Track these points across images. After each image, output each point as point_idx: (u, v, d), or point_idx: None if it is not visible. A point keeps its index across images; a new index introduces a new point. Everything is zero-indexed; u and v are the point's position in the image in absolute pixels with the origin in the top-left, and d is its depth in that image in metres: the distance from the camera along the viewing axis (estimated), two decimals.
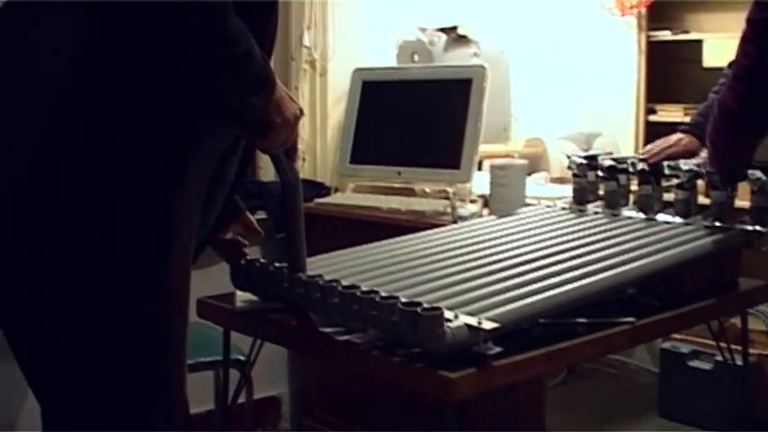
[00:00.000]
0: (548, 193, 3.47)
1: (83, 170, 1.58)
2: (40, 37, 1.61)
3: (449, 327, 1.70)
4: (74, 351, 1.62)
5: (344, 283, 1.91)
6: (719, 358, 2.92)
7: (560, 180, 4.09)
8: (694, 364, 4.17)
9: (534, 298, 1.90)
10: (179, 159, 1.66)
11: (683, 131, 3.04)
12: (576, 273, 2.06)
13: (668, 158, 2.83)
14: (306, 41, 4.25)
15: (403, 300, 1.76)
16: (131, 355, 1.64)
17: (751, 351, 3.36)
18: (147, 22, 1.57)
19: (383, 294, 1.81)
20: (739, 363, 2.58)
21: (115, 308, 1.61)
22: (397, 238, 2.48)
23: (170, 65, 1.61)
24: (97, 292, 1.60)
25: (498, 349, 1.75)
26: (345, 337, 1.89)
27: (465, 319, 1.74)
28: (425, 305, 1.74)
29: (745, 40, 2.37)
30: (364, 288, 1.87)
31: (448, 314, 1.73)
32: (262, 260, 2.12)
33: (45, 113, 1.58)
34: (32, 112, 1.59)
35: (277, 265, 2.08)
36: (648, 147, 3.08)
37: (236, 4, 1.60)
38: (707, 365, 4.11)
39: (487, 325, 1.72)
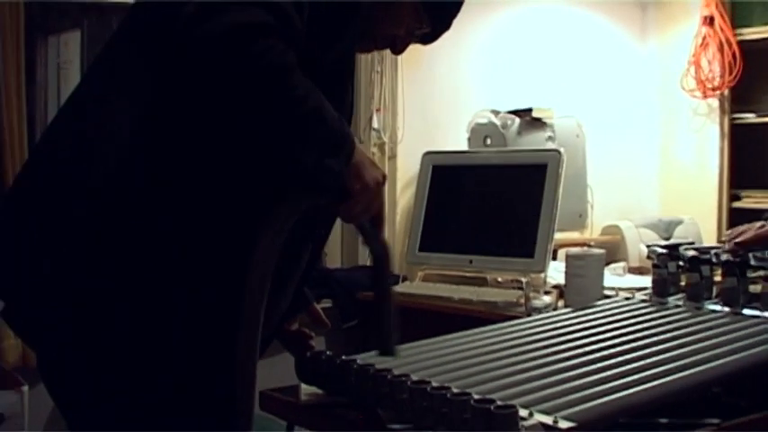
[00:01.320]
0: (626, 284, 3.44)
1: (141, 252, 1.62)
2: (114, 108, 1.68)
3: (523, 425, 1.68)
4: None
5: (414, 377, 1.91)
6: None
7: (639, 270, 4.06)
8: None
9: (613, 396, 1.88)
10: (247, 238, 1.67)
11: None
12: (658, 370, 2.04)
13: (757, 240, 2.77)
14: (375, 124, 4.30)
15: (475, 396, 1.76)
16: None
17: None
18: (207, 87, 1.59)
19: (455, 390, 1.80)
20: None
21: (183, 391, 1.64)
22: (469, 331, 2.47)
23: (236, 131, 1.63)
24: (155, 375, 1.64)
25: None
26: None
27: (540, 418, 1.72)
28: (499, 402, 1.72)
29: None
30: (435, 383, 1.86)
31: (522, 412, 1.72)
32: (328, 353, 2.13)
33: (106, 197, 1.63)
34: (94, 191, 1.64)
35: (344, 358, 2.08)
36: (731, 230, 3.02)
37: (312, 76, 1.61)
38: None
39: (564, 424, 1.71)
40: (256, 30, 1.53)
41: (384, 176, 1.77)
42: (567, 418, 1.73)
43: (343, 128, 1.69)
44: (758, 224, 2.97)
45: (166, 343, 1.65)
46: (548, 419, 1.72)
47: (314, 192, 1.72)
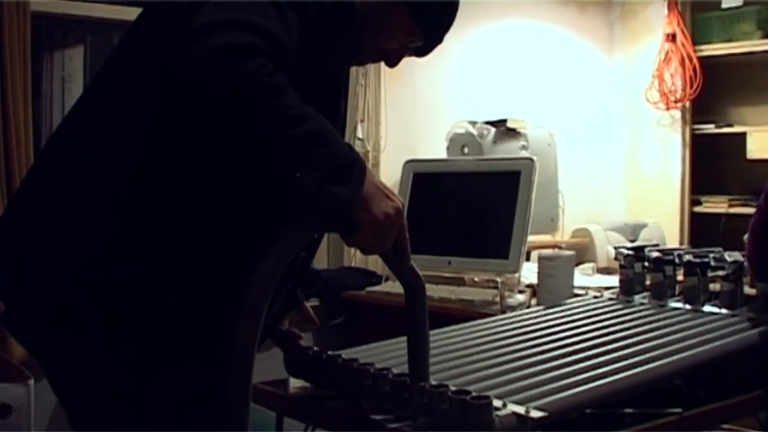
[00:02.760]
0: (595, 284, 3.45)
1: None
2: (109, 125, 1.67)
3: (497, 415, 1.69)
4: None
5: (395, 371, 1.91)
6: None
7: (607, 270, 4.08)
8: None
9: (581, 388, 1.89)
10: (249, 259, 1.61)
11: None
12: (623, 363, 2.04)
13: None
14: (359, 134, 4.30)
15: (452, 388, 1.76)
16: None
17: None
18: (200, 106, 1.54)
19: (433, 383, 1.81)
20: None
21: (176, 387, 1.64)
22: (447, 328, 2.47)
23: (233, 152, 1.60)
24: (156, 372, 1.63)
25: None
26: (396, 425, 1.88)
27: (513, 408, 1.72)
28: (474, 393, 1.73)
29: None
30: None
31: (496, 403, 1.73)
32: (315, 348, 2.13)
33: (102, 214, 1.62)
34: (92, 208, 1.63)
35: (330, 353, 2.08)
36: None
37: (306, 91, 1.55)
38: None
39: (535, 414, 1.71)
40: (245, 50, 1.48)
41: (400, 208, 1.65)
42: (538, 408, 1.73)
43: (352, 156, 1.60)
44: None
45: (167, 345, 1.64)
46: (520, 409, 1.72)
47: (320, 219, 1.61)
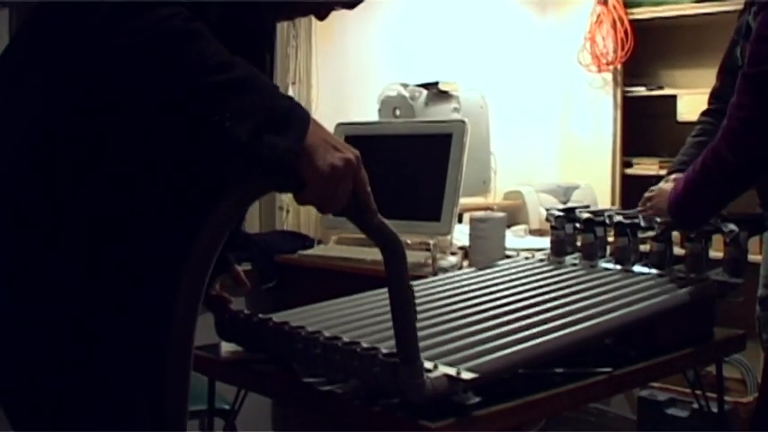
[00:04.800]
0: (526, 246, 3.47)
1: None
2: (20, 93, 1.58)
3: (428, 377, 1.69)
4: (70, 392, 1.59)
5: (327, 334, 1.91)
6: (696, 406, 2.92)
7: (539, 232, 4.11)
8: (671, 411, 4.17)
9: (513, 349, 1.90)
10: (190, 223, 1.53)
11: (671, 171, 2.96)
12: (554, 324, 2.06)
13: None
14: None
15: (384, 351, 1.76)
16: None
17: (727, 399, 3.37)
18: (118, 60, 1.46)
19: (364, 345, 1.81)
20: (715, 410, 2.59)
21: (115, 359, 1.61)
22: (379, 290, 2.47)
23: (157, 106, 1.51)
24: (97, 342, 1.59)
25: (477, 399, 1.76)
26: (327, 388, 1.88)
27: (444, 370, 1.73)
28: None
29: (741, 92, 2.41)
30: (346, 339, 1.87)
31: (428, 364, 1.73)
32: (246, 312, 2.12)
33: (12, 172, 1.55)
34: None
35: (261, 316, 2.08)
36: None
37: (229, 49, 1.47)
38: (683, 413, 4.11)
39: (466, 375, 1.72)
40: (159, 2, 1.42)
41: (351, 160, 1.53)
42: (469, 370, 1.75)
43: (291, 105, 1.51)
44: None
45: (99, 333, 1.58)
46: (451, 371, 1.73)
47: (261, 175, 1.52)
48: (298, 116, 1.51)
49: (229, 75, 1.45)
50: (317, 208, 1.58)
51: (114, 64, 1.47)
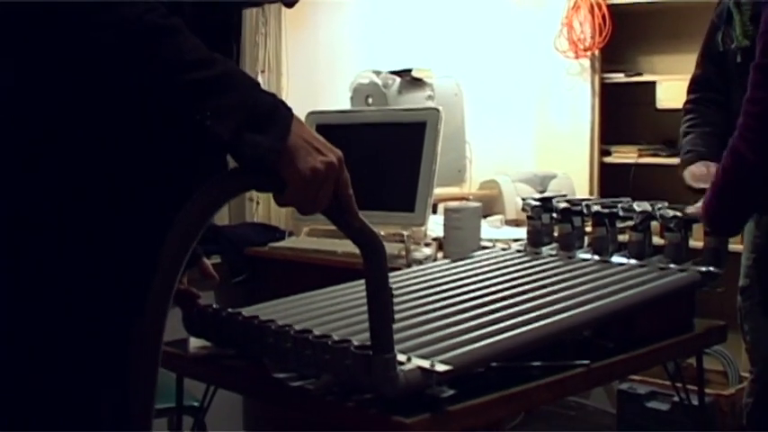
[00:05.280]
0: (503, 236, 3.47)
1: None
2: None
3: (402, 370, 1.69)
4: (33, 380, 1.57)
5: (298, 327, 1.90)
6: (676, 399, 2.93)
7: (516, 222, 4.10)
8: (651, 404, 4.18)
9: (488, 341, 1.90)
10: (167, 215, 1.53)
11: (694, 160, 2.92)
12: (531, 315, 2.06)
13: None
14: (260, 85, 4.26)
15: (356, 343, 1.75)
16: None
17: (707, 391, 3.38)
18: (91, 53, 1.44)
19: (336, 338, 1.80)
20: (696, 403, 2.59)
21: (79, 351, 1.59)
22: (352, 283, 2.46)
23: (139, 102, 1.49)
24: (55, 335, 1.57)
25: (452, 392, 1.75)
26: (299, 383, 1.87)
27: (418, 362, 1.73)
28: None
29: (755, 86, 2.37)
30: (317, 333, 1.86)
31: (401, 357, 1.73)
32: (215, 306, 2.11)
33: None
34: None
35: (230, 310, 2.07)
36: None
37: (197, 36, 1.47)
38: (664, 406, 4.13)
39: (440, 368, 1.72)
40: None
41: (333, 163, 1.54)
42: (443, 362, 1.74)
43: (275, 103, 1.51)
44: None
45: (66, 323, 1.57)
46: (425, 363, 1.73)
47: (242, 173, 1.52)
48: (281, 114, 1.51)
49: (209, 72, 1.44)
50: (297, 209, 1.57)
51: (90, 58, 1.45)
